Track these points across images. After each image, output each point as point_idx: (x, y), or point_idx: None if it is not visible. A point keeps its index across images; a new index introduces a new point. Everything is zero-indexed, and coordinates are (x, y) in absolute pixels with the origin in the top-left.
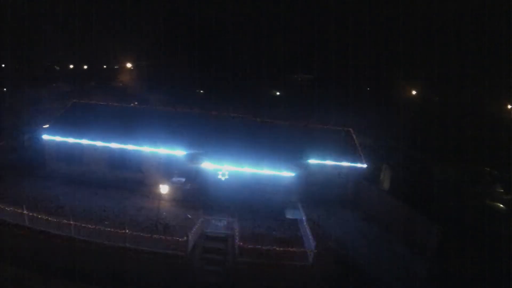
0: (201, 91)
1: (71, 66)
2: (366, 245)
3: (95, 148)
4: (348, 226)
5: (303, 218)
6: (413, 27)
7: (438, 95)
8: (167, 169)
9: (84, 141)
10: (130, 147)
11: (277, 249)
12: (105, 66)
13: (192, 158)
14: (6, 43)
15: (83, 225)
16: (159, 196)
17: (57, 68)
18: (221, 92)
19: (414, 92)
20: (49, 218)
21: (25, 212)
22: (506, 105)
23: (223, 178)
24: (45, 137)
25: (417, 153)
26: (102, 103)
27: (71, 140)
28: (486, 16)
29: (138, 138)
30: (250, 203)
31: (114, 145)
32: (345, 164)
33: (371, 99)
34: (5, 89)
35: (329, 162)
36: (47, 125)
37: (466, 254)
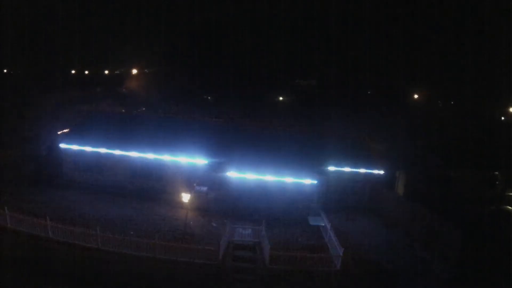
0: (209, 98)
1: (73, 72)
2: (388, 250)
3: (114, 157)
4: (368, 232)
5: (327, 224)
6: (416, 29)
7: (442, 99)
8: (189, 178)
9: (103, 150)
10: (150, 156)
11: (307, 255)
12: (106, 72)
13: (215, 166)
14: (15, 49)
15: (110, 236)
16: (182, 205)
17: (60, 74)
18: (228, 97)
19: (416, 96)
20: (74, 229)
21: (48, 223)
22: None
23: (246, 187)
24: (62, 146)
25: (430, 157)
26: (117, 111)
27: (89, 149)
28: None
29: (158, 147)
30: (273, 210)
31: (134, 154)
32: (362, 170)
33: (378, 104)
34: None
35: (347, 169)
36: (63, 132)
37: (486, 259)
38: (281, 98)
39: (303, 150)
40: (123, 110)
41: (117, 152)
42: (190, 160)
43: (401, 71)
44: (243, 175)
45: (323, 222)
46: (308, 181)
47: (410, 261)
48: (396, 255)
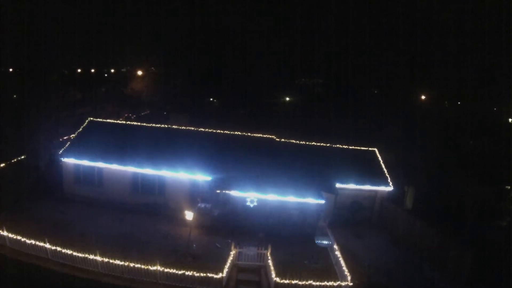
0: (214, 101)
1: (79, 71)
2: (397, 271)
3: (115, 171)
4: (376, 250)
5: (334, 245)
6: (423, 30)
7: (450, 102)
8: (192, 194)
9: (103, 164)
10: (152, 171)
11: (313, 283)
12: (113, 70)
13: (218, 183)
14: (18, 46)
15: (111, 261)
16: (185, 222)
17: (66, 72)
18: (233, 99)
19: (423, 97)
20: (74, 253)
21: (47, 245)
22: None
23: (251, 205)
24: (62, 159)
25: (438, 170)
26: (119, 121)
27: (89, 162)
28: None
29: (160, 161)
30: (279, 230)
31: (135, 169)
32: (370, 187)
33: (383, 105)
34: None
35: (355, 186)
36: (64, 144)
37: (497, 278)
38: (287, 99)
39: (309, 166)
40: (128, 114)
41: (119, 167)
42: (193, 176)
43: (406, 70)
44: (247, 193)
45: (330, 241)
46: (315, 200)
47: (419, 283)
48: (405, 275)
